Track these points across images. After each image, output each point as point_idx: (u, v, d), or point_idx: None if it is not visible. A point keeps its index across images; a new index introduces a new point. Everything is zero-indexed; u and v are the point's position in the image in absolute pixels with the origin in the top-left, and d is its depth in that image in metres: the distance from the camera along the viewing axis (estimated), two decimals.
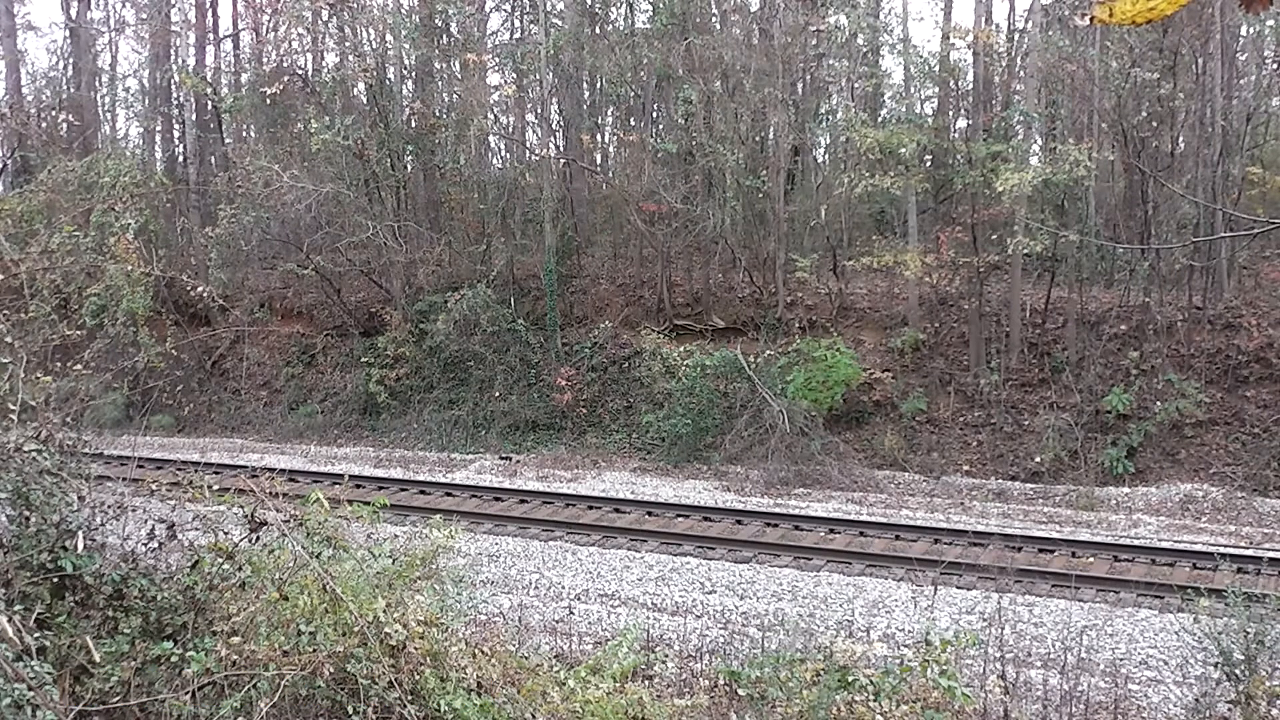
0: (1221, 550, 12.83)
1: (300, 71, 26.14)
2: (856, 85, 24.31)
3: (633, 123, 26.71)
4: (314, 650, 5.11)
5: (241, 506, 5.92)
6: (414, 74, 25.89)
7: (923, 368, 20.31)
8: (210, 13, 30.78)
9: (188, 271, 23.53)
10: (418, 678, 5.20)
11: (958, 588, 11.99)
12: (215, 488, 6.15)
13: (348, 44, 24.87)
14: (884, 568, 13.01)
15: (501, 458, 20.31)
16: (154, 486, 6.22)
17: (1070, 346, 19.55)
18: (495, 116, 26.19)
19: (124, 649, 5.05)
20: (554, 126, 25.76)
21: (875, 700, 5.78)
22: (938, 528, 14.51)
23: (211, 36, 30.93)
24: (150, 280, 22.37)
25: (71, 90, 32.21)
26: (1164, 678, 9.47)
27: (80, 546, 5.24)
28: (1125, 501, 16.37)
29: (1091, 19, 2.69)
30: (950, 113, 25.00)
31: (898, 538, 14.22)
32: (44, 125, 31.69)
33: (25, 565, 5.07)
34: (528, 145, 27.02)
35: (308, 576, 5.66)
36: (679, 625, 10.62)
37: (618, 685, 6.47)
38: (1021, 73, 21.86)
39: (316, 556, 5.63)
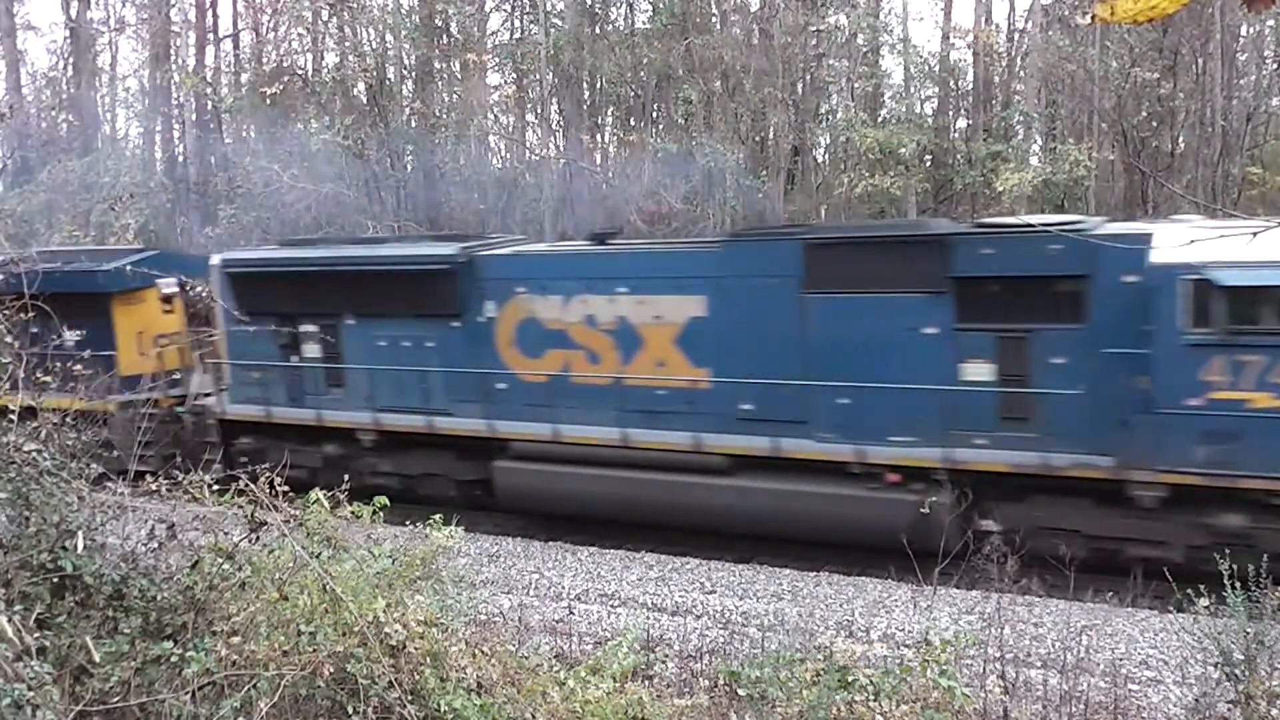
0: None
1: (300, 71, 26.14)
2: (856, 85, 24.31)
3: (633, 123, 26.72)
4: (314, 650, 5.10)
5: (241, 507, 5.91)
6: (414, 74, 25.90)
7: None
8: (210, 13, 30.83)
9: None
10: (418, 678, 5.20)
11: (958, 587, 11.97)
12: (217, 488, 6.14)
13: (348, 44, 24.88)
14: (884, 567, 12.96)
15: None
16: (154, 486, 6.22)
17: None
18: (495, 116, 26.21)
19: (124, 649, 5.04)
20: (554, 126, 25.76)
21: (875, 700, 5.78)
22: None
23: (211, 36, 30.95)
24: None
25: (71, 90, 32.20)
26: (1164, 678, 9.46)
27: (80, 546, 5.23)
28: None
29: (1093, 17, 2.69)
30: (950, 113, 25.02)
31: None
32: (44, 125, 31.69)
33: (25, 565, 5.06)
34: (528, 145, 27.04)
35: (308, 576, 5.66)
36: (679, 625, 10.61)
37: (618, 685, 6.47)
38: (1021, 73, 21.90)
39: (316, 556, 5.63)
